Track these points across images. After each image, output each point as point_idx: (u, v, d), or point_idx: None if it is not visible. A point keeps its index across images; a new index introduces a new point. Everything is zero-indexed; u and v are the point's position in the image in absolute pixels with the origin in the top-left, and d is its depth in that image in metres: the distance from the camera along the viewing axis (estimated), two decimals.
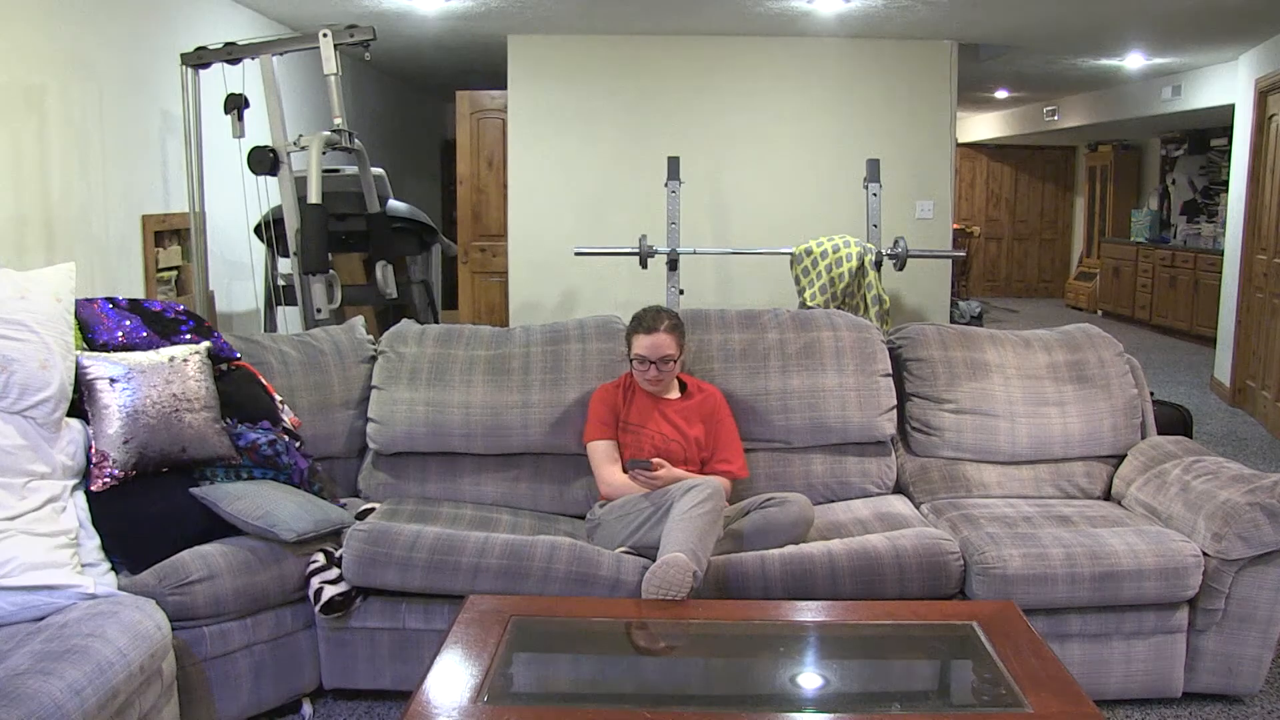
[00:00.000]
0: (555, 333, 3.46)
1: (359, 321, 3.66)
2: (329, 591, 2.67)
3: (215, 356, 3.03)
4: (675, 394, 3.21)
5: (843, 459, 3.38)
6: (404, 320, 3.60)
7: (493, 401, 3.30)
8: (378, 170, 4.84)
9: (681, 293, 4.94)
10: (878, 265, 4.73)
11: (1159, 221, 10.82)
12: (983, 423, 3.34)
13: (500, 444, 3.31)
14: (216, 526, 2.69)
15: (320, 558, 2.74)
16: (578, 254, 5.15)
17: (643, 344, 3.10)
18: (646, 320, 3.13)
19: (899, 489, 3.42)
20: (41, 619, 2.27)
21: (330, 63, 4.19)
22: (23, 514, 2.42)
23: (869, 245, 4.76)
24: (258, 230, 4.91)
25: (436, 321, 5.46)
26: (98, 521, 2.57)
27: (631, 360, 3.15)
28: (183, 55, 4.29)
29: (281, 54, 4.33)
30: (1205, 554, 2.76)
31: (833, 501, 3.33)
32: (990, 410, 3.34)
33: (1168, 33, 6.24)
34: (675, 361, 3.13)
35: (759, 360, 3.38)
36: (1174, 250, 9.97)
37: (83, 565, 2.45)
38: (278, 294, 5.03)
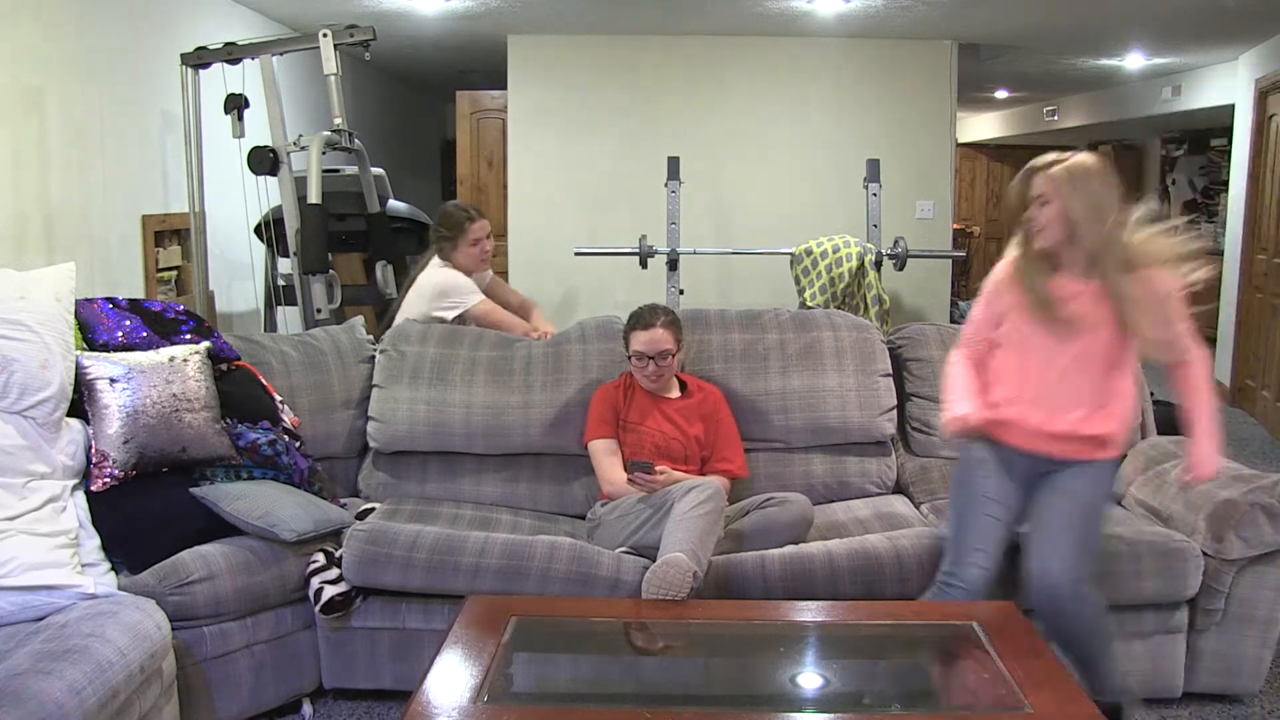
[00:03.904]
0: (555, 333, 3.46)
1: (359, 321, 3.66)
2: (329, 591, 2.67)
3: (215, 356, 3.03)
4: (675, 393, 3.21)
5: (843, 459, 3.38)
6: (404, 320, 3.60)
7: (493, 402, 3.30)
8: (378, 170, 4.84)
9: (681, 293, 4.94)
10: (878, 265, 4.73)
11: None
12: None
13: (501, 444, 3.31)
14: (216, 526, 2.69)
15: (320, 558, 2.74)
16: (578, 254, 5.15)
17: (640, 340, 3.11)
18: (644, 317, 3.14)
19: (899, 489, 3.42)
20: (41, 619, 2.27)
21: (330, 63, 4.19)
22: (23, 514, 2.42)
23: (869, 245, 4.76)
24: (258, 230, 4.91)
25: None
26: (98, 521, 2.57)
27: (630, 357, 3.15)
28: (183, 55, 4.29)
29: (281, 54, 4.33)
30: (1205, 554, 2.75)
31: (833, 501, 3.33)
32: None
33: (1168, 33, 6.24)
34: (673, 356, 3.13)
35: (759, 360, 3.38)
36: None
37: (83, 565, 2.45)
38: (278, 294, 5.03)
